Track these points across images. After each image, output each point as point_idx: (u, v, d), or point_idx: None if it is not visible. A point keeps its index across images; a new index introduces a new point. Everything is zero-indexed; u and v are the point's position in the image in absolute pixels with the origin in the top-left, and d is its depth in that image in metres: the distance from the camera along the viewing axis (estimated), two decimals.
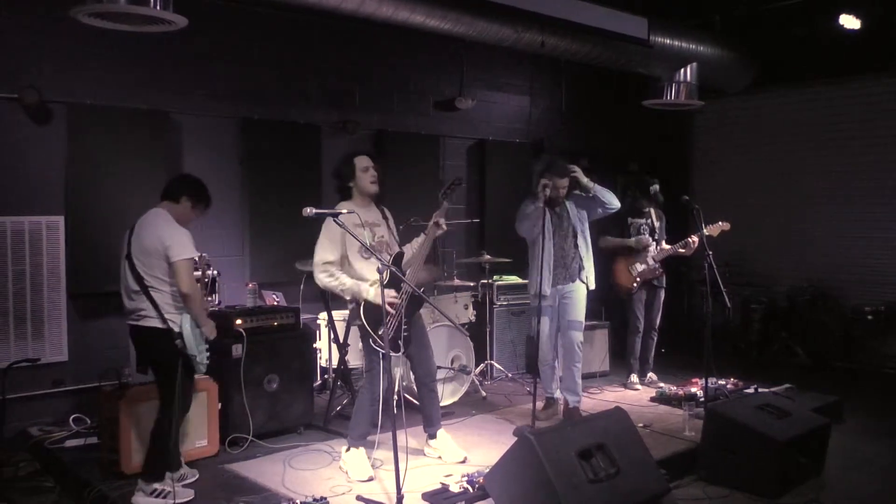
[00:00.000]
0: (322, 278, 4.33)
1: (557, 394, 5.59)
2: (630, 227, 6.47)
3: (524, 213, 5.38)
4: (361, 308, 4.27)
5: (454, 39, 6.62)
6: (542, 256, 5.19)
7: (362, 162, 4.46)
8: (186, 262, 3.95)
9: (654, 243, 6.45)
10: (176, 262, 3.91)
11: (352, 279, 4.29)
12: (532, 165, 5.48)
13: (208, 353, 4.07)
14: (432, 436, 4.69)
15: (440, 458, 4.61)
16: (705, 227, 6.02)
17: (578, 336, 5.43)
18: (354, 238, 4.14)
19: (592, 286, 5.51)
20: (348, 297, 4.34)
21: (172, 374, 3.93)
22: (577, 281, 5.43)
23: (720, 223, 6.17)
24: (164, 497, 3.90)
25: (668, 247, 6.43)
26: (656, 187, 6.49)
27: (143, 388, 4.31)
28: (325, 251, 4.30)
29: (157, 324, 3.94)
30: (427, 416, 4.67)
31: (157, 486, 3.93)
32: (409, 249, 4.61)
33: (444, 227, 4.44)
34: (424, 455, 4.69)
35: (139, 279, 3.95)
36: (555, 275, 5.35)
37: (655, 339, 6.61)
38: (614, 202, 5.44)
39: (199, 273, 4.15)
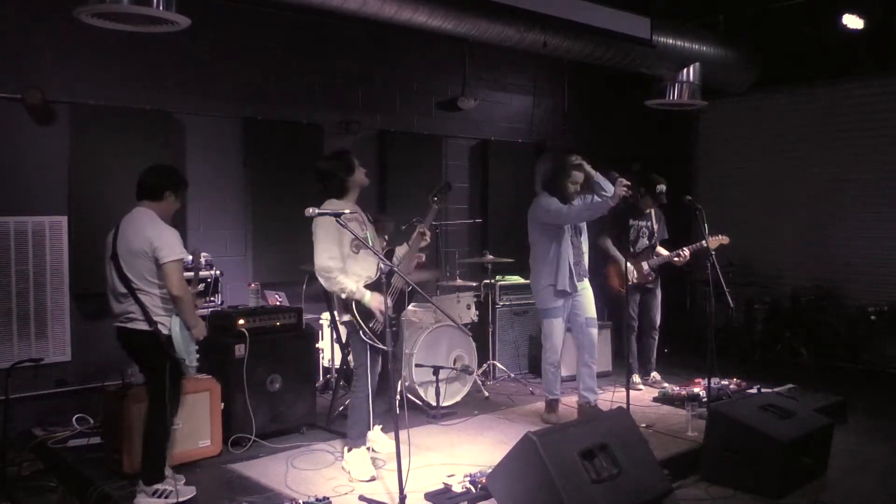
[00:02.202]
0: (324, 282, 4.32)
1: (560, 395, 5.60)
2: (631, 228, 6.39)
3: (585, 206, 5.25)
4: (354, 303, 4.26)
5: (457, 39, 6.63)
6: (562, 253, 5.24)
7: (354, 158, 4.48)
8: (176, 263, 3.87)
9: (651, 248, 6.41)
10: (165, 265, 3.84)
11: (354, 283, 4.26)
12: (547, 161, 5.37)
13: (198, 356, 4.04)
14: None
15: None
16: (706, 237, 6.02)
17: (596, 332, 5.49)
18: (357, 238, 4.18)
19: None
20: (344, 296, 4.28)
21: (162, 377, 3.91)
22: (586, 279, 5.48)
23: (719, 236, 6.08)
24: (167, 497, 3.90)
25: (665, 253, 6.38)
26: (663, 188, 6.36)
27: (145, 387, 4.31)
28: (326, 254, 4.23)
29: (144, 326, 3.90)
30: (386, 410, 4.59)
31: (157, 486, 3.92)
32: (397, 254, 4.68)
33: (429, 238, 4.54)
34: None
35: (126, 281, 3.88)
36: (571, 273, 5.33)
37: (656, 338, 6.57)
38: (609, 189, 5.29)
39: (190, 273, 4.10)
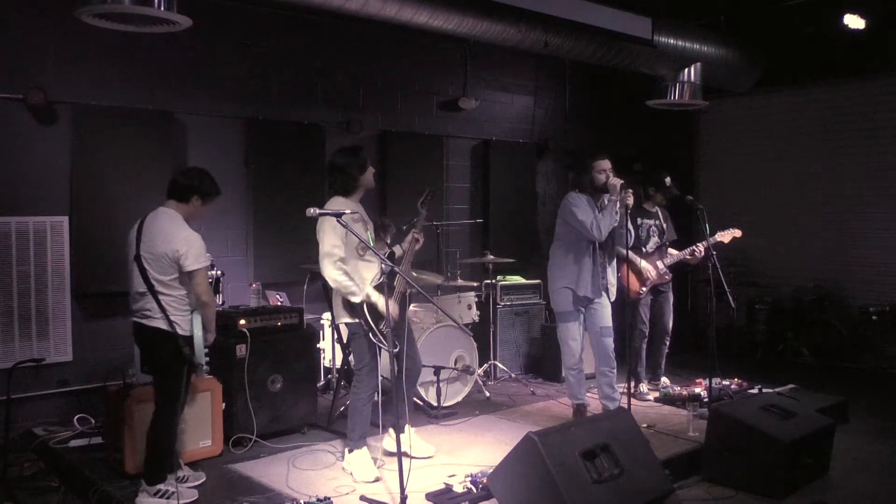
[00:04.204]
0: (335, 275, 4.19)
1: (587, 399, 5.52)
2: (640, 227, 6.22)
3: (602, 215, 5.11)
4: (364, 305, 4.24)
5: (458, 39, 6.63)
6: (586, 256, 5.13)
7: (367, 157, 4.46)
8: (203, 270, 3.92)
9: (663, 246, 6.27)
10: (193, 273, 3.88)
11: (362, 289, 4.23)
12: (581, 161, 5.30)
13: (207, 358, 4.06)
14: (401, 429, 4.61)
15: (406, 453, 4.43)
16: (717, 233, 5.95)
17: (612, 343, 5.36)
18: (359, 238, 4.15)
19: (613, 298, 5.44)
20: (356, 300, 4.23)
21: (173, 376, 3.92)
22: (604, 293, 5.35)
23: (732, 230, 6.03)
24: (168, 497, 3.91)
25: (676, 252, 6.22)
26: (670, 178, 6.19)
27: (147, 387, 4.30)
28: (334, 246, 4.17)
29: (162, 325, 3.91)
30: (402, 411, 4.47)
31: (160, 486, 3.93)
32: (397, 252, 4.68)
33: (421, 242, 4.54)
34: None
35: (147, 282, 3.90)
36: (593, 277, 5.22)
37: (668, 344, 6.36)
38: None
39: (211, 272, 4.14)
